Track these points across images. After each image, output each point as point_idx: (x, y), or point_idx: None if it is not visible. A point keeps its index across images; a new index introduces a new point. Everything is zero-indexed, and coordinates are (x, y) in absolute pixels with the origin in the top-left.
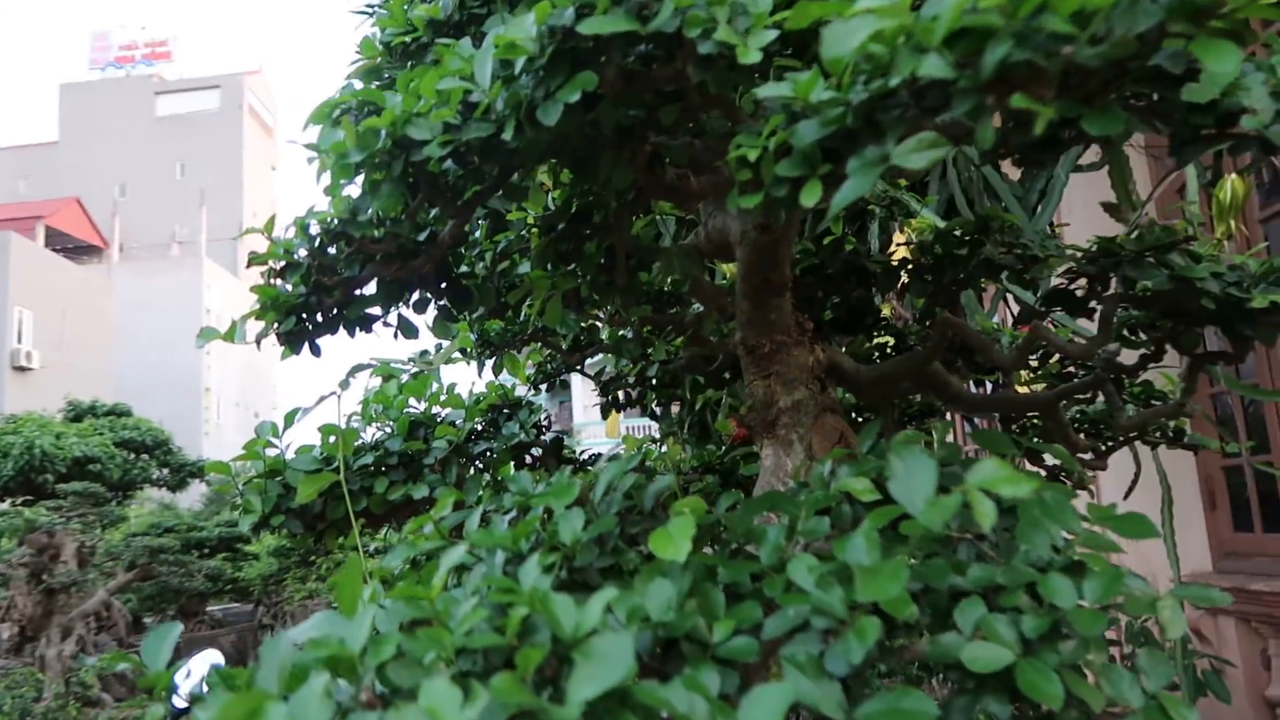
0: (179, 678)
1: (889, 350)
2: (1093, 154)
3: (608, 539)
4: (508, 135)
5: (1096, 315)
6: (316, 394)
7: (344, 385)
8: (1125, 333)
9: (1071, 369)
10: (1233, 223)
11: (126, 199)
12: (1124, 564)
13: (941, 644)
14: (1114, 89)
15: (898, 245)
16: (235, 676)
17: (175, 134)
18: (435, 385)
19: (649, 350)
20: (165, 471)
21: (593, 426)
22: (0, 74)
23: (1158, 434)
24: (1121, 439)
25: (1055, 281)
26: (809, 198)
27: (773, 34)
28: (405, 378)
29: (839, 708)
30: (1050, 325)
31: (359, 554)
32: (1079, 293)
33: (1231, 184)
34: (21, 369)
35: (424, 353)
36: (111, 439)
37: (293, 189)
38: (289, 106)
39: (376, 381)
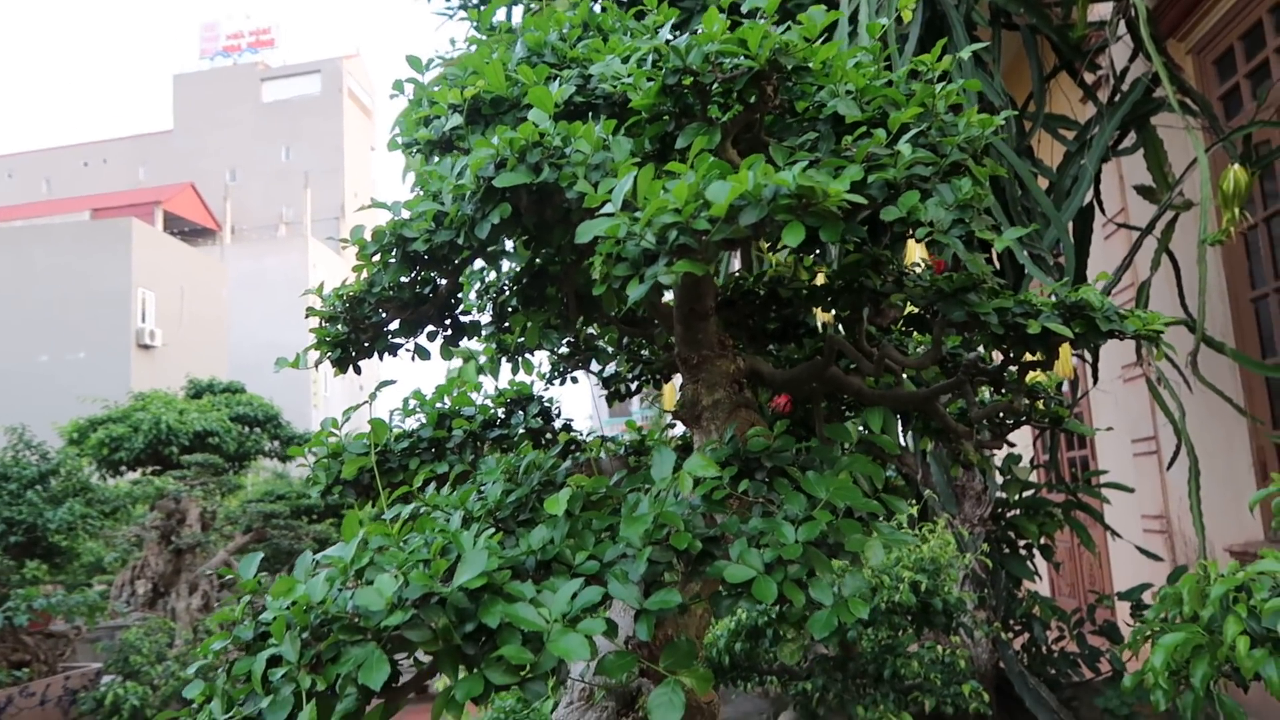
0: None
1: (817, 355)
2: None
3: (528, 501)
4: (460, 239)
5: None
6: (405, 375)
7: (373, 397)
8: (983, 346)
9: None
10: (1237, 210)
11: (236, 183)
12: (1179, 531)
13: (716, 566)
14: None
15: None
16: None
17: (280, 118)
18: (465, 386)
19: (643, 354)
20: (275, 444)
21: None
22: (119, 66)
23: (1045, 419)
24: (1012, 422)
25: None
26: (633, 289)
27: (612, 183)
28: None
29: (636, 599)
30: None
31: (356, 511)
32: (926, 317)
33: (1235, 174)
34: (146, 347)
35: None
36: (227, 414)
37: (390, 169)
38: (386, 88)
39: (389, 391)
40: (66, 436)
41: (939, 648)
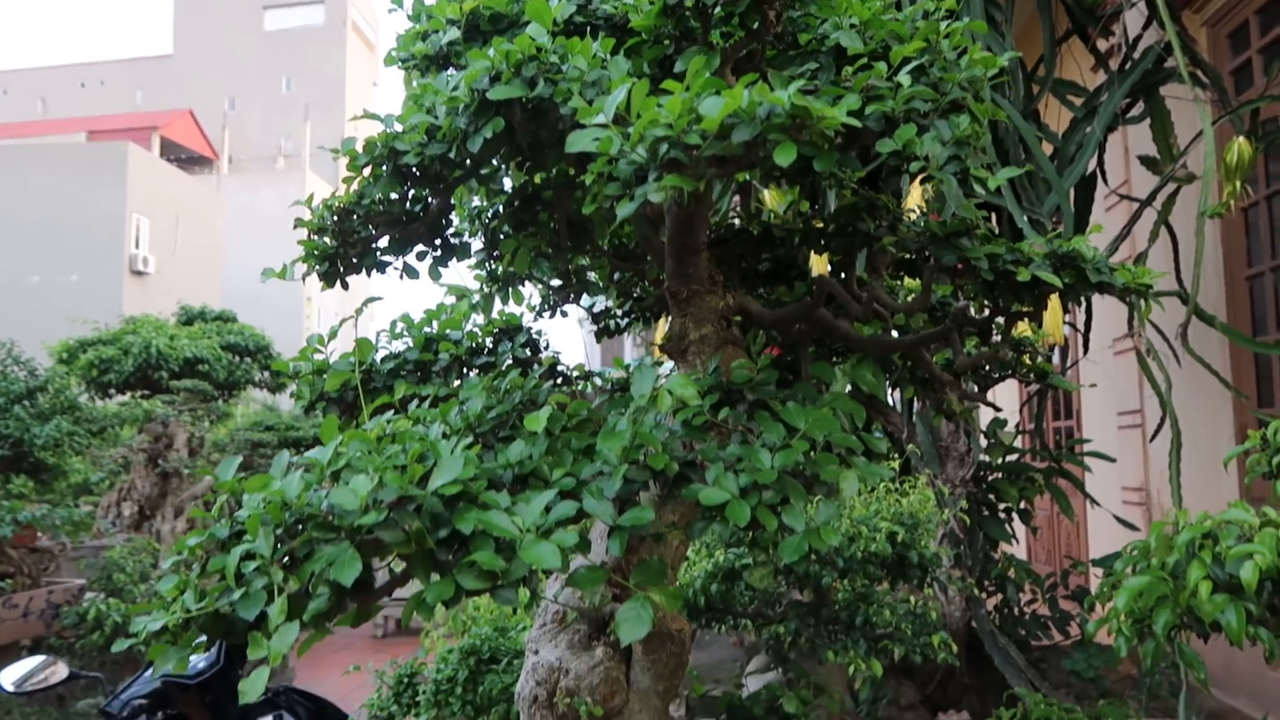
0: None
1: (808, 297)
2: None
3: (508, 419)
4: (452, 153)
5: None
6: (401, 307)
7: (358, 312)
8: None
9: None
10: (1239, 183)
11: (235, 112)
12: (1157, 503)
13: (691, 489)
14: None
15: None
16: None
17: (281, 48)
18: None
19: (634, 292)
20: (266, 374)
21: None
22: None
23: (1030, 374)
24: (998, 375)
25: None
26: (623, 208)
27: (605, 99)
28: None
29: (610, 516)
30: None
31: (335, 418)
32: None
33: (1239, 146)
34: (139, 273)
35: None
36: (218, 342)
37: (393, 104)
38: (390, 22)
39: (377, 316)
40: (55, 356)
41: (912, 598)
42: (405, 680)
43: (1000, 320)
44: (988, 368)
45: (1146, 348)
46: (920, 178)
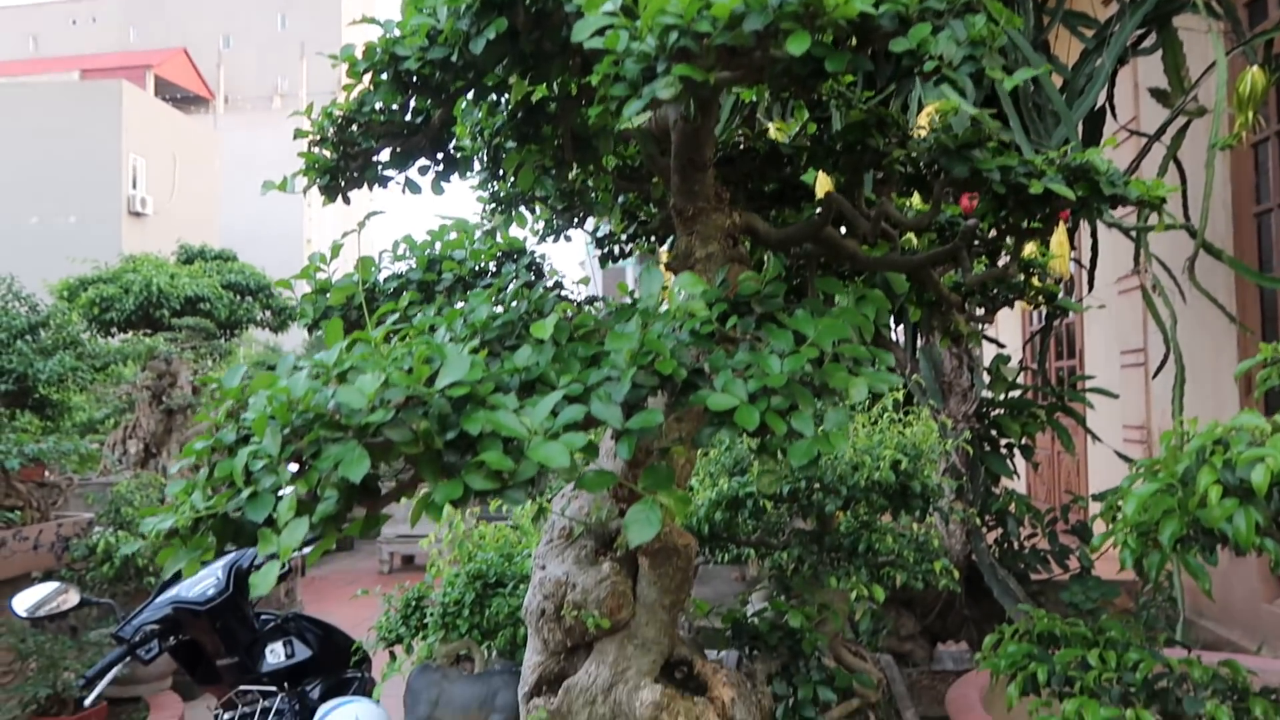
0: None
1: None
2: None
3: (514, 328)
4: (454, 57)
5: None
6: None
7: (361, 225)
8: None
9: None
10: (1251, 114)
11: (230, 50)
12: (1159, 442)
13: (699, 395)
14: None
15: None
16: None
17: None
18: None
19: (639, 215)
20: (268, 314)
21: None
22: None
23: (1038, 296)
24: (1006, 298)
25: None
26: (631, 107)
27: (609, 3)
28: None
29: (618, 420)
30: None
31: (339, 321)
32: (927, 178)
33: (1253, 76)
34: (137, 215)
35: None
36: (219, 281)
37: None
38: None
39: (379, 239)
40: (56, 295)
41: (915, 526)
42: (413, 604)
43: (1010, 240)
44: (995, 290)
45: (1152, 283)
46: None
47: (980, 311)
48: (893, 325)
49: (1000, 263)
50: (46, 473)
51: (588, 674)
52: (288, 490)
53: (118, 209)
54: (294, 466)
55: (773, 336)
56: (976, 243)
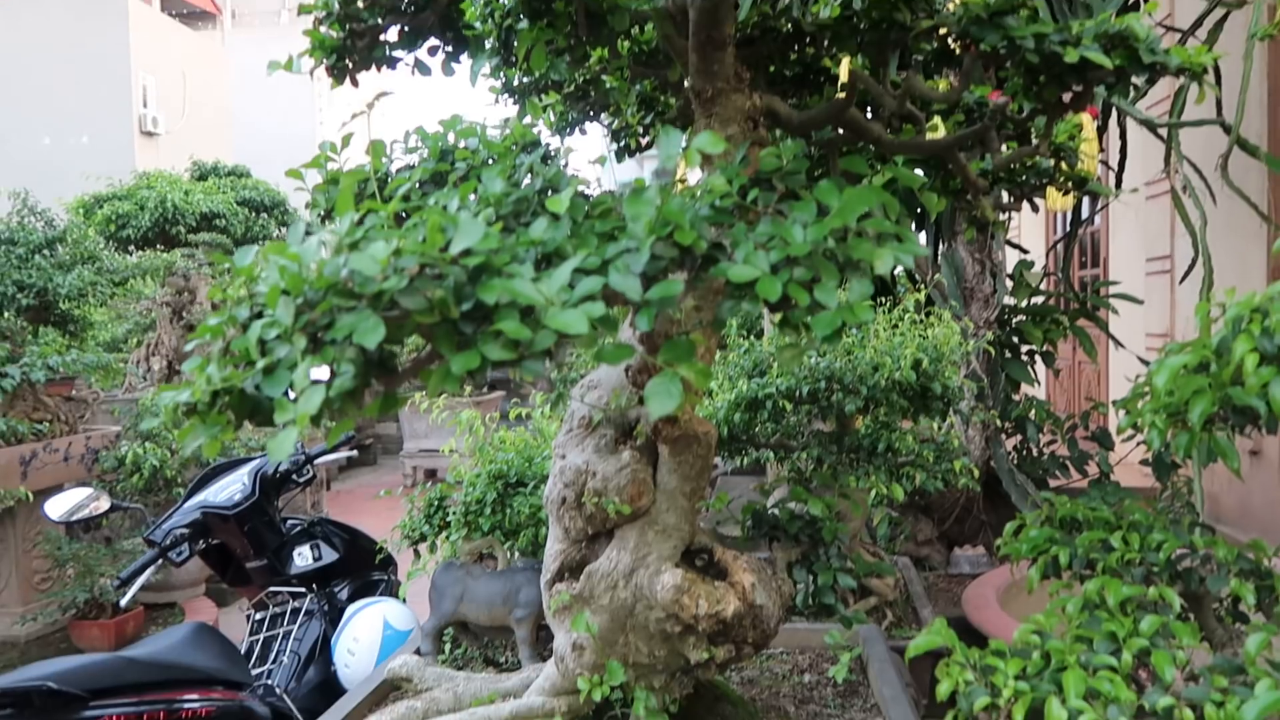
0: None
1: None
2: None
3: (529, 204)
4: None
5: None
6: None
7: (370, 106)
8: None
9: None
10: None
11: None
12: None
13: (720, 267)
14: None
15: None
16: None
17: None
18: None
19: (656, 106)
20: (283, 230)
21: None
22: None
23: (1066, 181)
24: (1035, 185)
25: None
26: None
27: None
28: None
29: (637, 291)
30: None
31: (351, 187)
32: (957, 51)
33: None
34: (149, 134)
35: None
36: (233, 197)
37: None
38: None
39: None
40: (72, 212)
41: (935, 426)
42: (435, 504)
43: (1041, 120)
44: (1024, 177)
45: (1183, 184)
46: None
47: (1006, 198)
48: (914, 231)
49: (1029, 139)
50: (74, 391)
51: (609, 560)
52: (303, 363)
53: (129, 128)
54: (304, 342)
55: (795, 209)
56: (1006, 126)
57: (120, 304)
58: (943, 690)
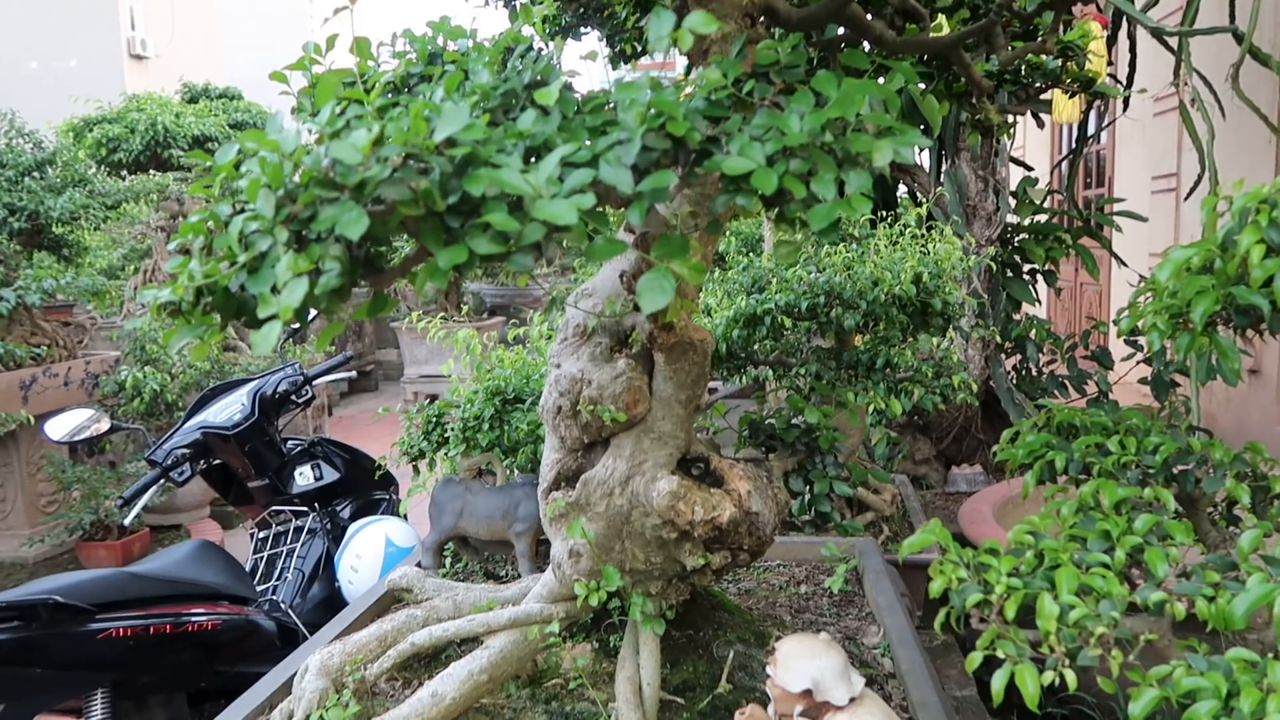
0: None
1: None
2: None
3: (518, 99)
4: None
5: None
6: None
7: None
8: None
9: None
10: None
11: None
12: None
13: (714, 160)
14: None
15: None
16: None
17: None
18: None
19: (651, 5)
20: None
21: None
22: None
23: (1073, 83)
24: (1039, 86)
25: None
26: None
27: None
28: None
29: (628, 183)
30: None
31: (332, 79)
32: None
33: None
34: (138, 57)
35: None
36: (225, 120)
37: None
38: None
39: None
40: (62, 135)
41: (934, 342)
42: (433, 420)
43: (1047, 17)
44: (1031, 79)
45: (1191, 97)
46: None
47: (1009, 100)
48: (915, 151)
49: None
50: (72, 317)
51: (605, 467)
52: (285, 257)
53: (118, 51)
54: (286, 235)
55: (792, 101)
56: (1012, 23)
57: (114, 229)
58: (935, 588)
